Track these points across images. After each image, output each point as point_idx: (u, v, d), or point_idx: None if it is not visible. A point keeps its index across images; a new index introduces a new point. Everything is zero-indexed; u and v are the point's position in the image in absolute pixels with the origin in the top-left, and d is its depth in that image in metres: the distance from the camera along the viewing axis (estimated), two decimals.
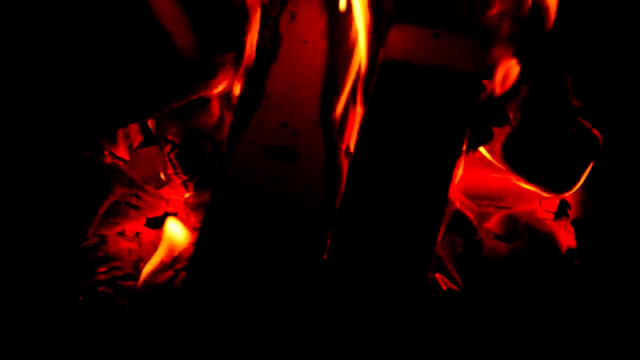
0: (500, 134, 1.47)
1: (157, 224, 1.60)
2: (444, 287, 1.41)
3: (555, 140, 1.43)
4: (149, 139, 1.67)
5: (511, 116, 1.46)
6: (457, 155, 1.24)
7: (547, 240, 1.50)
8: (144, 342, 1.26)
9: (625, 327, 1.32)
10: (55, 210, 1.41)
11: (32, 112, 1.40)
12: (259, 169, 1.24)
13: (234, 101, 1.50)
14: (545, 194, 1.48)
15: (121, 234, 1.55)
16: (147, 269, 1.44)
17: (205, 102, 1.51)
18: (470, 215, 1.51)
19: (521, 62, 1.42)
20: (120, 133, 1.59)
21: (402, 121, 1.23)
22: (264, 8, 1.40)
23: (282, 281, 1.18)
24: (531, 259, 1.43)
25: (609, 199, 1.46)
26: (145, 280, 1.43)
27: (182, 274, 1.38)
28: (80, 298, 1.38)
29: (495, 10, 1.36)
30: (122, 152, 1.60)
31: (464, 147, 1.28)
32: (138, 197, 1.55)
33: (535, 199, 1.61)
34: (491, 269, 1.42)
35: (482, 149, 1.49)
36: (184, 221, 1.53)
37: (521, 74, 1.43)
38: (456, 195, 1.51)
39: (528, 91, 1.45)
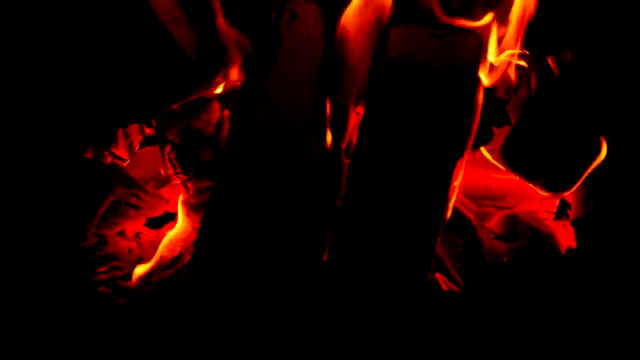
0: (500, 134, 1.47)
1: (157, 224, 1.61)
2: (444, 287, 1.41)
3: (555, 140, 1.43)
4: (149, 139, 1.67)
5: (511, 116, 1.46)
6: (458, 154, 1.23)
7: (547, 240, 1.50)
8: (144, 342, 1.26)
9: (625, 327, 1.32)
10: (55, 210, 1.41)
11: (33, 112, 1.40)
12: (258, 168, 1.23)
13: (234, 101, 1.51)
14: (545, 194, 1.48)
15: (121, 234, 1.55)
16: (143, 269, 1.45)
17: (206, 102, 1.52)
18: (470, 215, 1.51)
19: (522, 60, 1.42)
20: (120, 133, 1.59)
21: (403, 120, 1.23)
22: (266, 9, 1.41)
23: (283, 281, 1.18)
24: (531, 259, 1.43)
25: (609, 199, 1.46)
26: (142, 280, 1.43)
27: (182, 274, 1.38)
28: (81, 298, 1.38)
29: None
30: (122, 152, 1.60)
31: (466, 147, 1.28)
32: (138, 197, 1.55)
33: (535, 199, 1.61)
34: (491, 269, 1.42)
35: (482, 149, 1.49)
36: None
37: (521, 74, 1.43)
38: (456, 195, 1.51)
39: (528, 91, 1.46)
